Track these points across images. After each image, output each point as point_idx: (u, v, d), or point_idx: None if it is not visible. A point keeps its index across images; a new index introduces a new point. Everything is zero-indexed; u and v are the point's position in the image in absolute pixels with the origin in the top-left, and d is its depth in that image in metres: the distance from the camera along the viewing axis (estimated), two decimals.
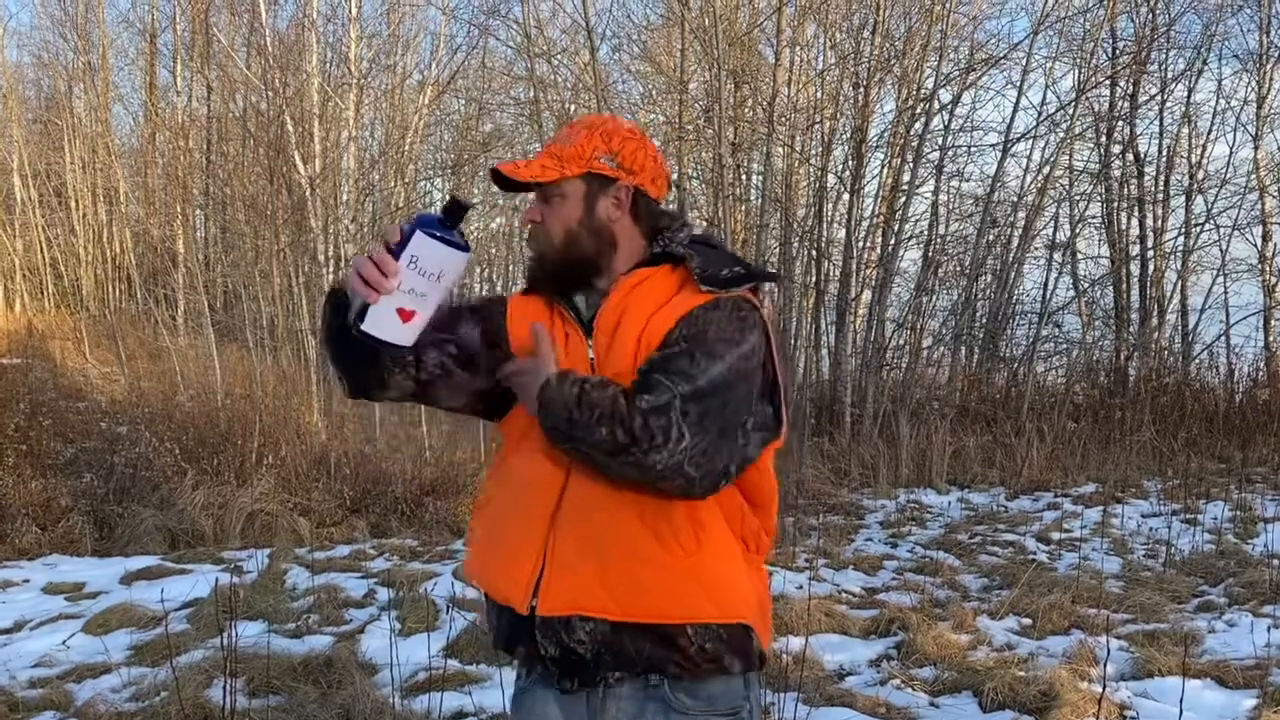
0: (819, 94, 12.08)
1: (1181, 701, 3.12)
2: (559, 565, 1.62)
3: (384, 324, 1.52)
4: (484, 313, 1.77)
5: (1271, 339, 12.48)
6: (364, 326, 1.52)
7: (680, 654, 1.60)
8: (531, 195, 1.74)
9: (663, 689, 1.63)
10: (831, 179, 11.49)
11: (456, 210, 1.52)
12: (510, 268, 19.16)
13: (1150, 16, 12.52)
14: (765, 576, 1.77)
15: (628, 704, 1.64)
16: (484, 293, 19.11)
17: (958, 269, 12.78)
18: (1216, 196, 12.80)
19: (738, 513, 1.67)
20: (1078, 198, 13.22)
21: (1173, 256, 13.13)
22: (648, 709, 1.63)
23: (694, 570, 1.60)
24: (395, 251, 1.50)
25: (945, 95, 11.51)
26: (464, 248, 1.54)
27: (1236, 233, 12.85)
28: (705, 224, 11.51)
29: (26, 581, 5.73)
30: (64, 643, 4.70)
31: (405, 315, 1.53)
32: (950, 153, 12.18)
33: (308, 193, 10.99)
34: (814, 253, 11.47)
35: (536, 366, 1.60)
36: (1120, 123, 12.96)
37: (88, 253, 19.47)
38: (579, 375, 1.58)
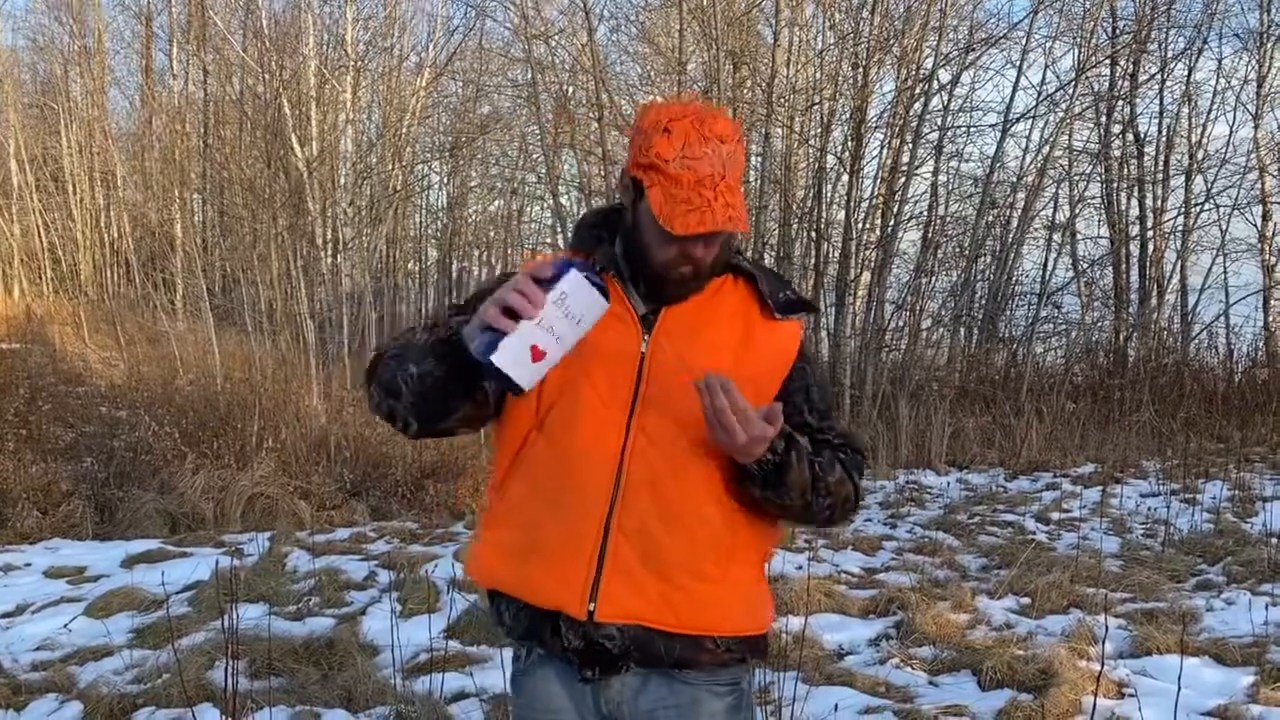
0: (818, 74, 12.03)
1: (1179, 679, 3.13)
2: (620, 573, 1.59)
3: (515, 360, 1.45)
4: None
5: (1271, 319, 12.48)
6: (495, 357, 1.44)
7: (707, 654, 1.64)
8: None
9: None
10: (831, 160, 11.46)
11: (600, 270, 1.49)
12: (509, 250, 19.13)
13: None
14: None
15: (632, 678, 1.65)
16: (461, 294, 19.02)
17: (957, 250, 12.77)
18: (1216, 176, 12.79)
19: (768, 530, 1.71)
20: (1077, 178, 13.19)
21: (1172, 236, 13.13)
22: (651, 680, 1.65)
23: (738, 587, 1.66)
24: (545, 286, 1.44)
25: (945, 75, 11.49)
26: (607, 299, 1.48)
27: (1236, 212, 12.85)
28: None
29: (28, 565, 5.75)
30: (66, 626, 4.71)
31: (537, 354, 1.46)
32: (949, 133, 12.16)
33: (305, 176, 10.96)
34: (813, 234, 11.44)
35: (762, 430, 1.49)
36: (1120, 102, 12.92)
37: (85, 237, 19.45)
38: (802, 446, 1.58)
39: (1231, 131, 13.08)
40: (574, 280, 1.44)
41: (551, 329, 1.45)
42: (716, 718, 1.67)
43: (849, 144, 11.25)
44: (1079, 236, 13.65)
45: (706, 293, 1.66)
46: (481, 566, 1.72)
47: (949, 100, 11.80)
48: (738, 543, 1.65)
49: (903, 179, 11.21)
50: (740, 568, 1.66)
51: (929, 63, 11.30)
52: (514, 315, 1.43)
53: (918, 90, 11.32)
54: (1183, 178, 13.00)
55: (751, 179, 12.06)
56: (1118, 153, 13.25)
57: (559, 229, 13.23)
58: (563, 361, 1.50)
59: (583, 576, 1.59)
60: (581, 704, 1.68)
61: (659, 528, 1.59)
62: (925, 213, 12.46)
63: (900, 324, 11.91)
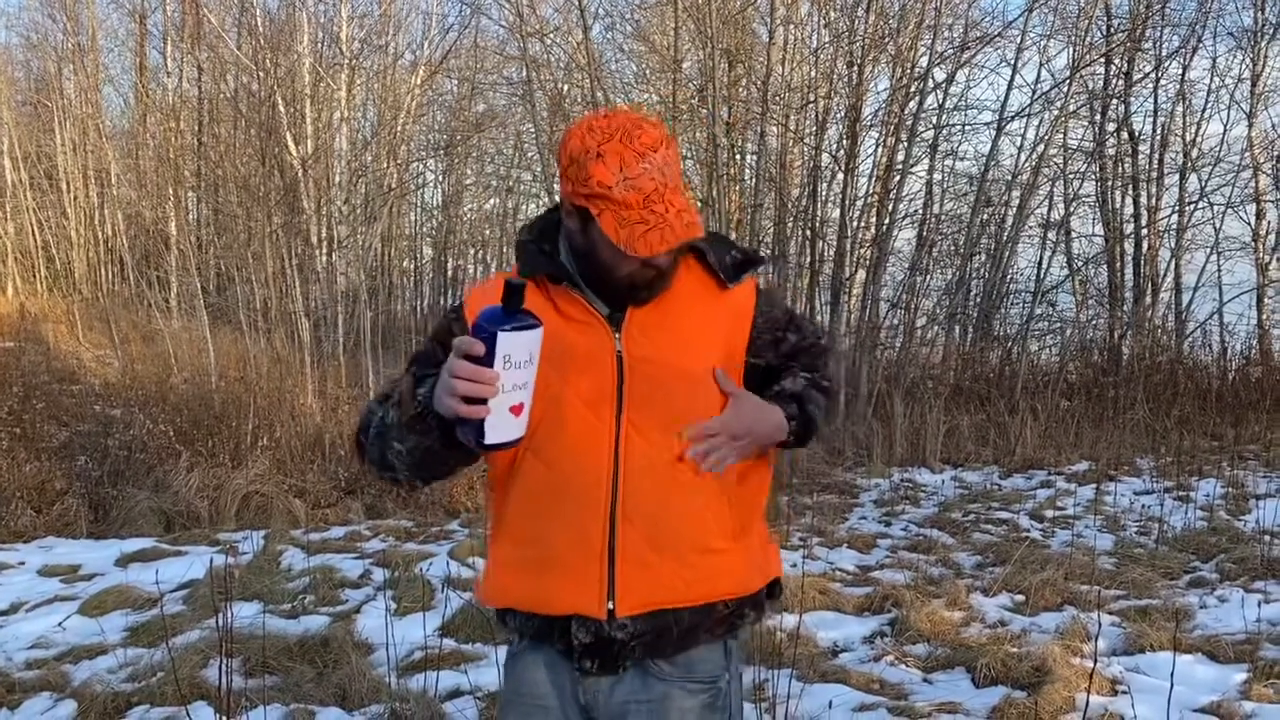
0: (813, 73, 12.03)
1: (1172, 676, 3.14)
2: (631, 564, 1.61)
3: (503, 429, 1.49)
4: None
5: (1264, 317, 12.51)
6: (489, 441, 1.48)
7: (712, 618, 1.68)
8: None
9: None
10: (826, 158, 11.46)
11: (517, 294, 1.45)
12: (504, 249, 19.11)
13: None
14: None
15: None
16: (456, 293, 18.99)
17: (952, 248, 12.78)
18: (1210, 174, 12.79)
19: (764, 488, 1.78)
20: (1072, 176, 13.20)
21: (1166, 235, 13.14)
22: (626, 675, 1.67)
23: (746, 553, 1.71)
24: (486, 361, 1.44)
25: (940, 73, 11.49)
26: (538, 323, 1.48)
27: (1230, 211, 12.87)
28: (700, 204, 11.48)
29: (22, 564, 5.74)
30: (60, 624, 4.71)
31: (516, 410, 1.49)
32: (945, 131, 12.17)
33: (300, 174, 10.94)
34: (808, 232, 11.45)
35: (768, 416, 1.65)
36: (1115, 101, 12.94)
37: (80, 235, 19.41)
38: (806, 396, 1.70)
39: (1225, 130, 13.17)
40: (506, 340, 1.44)
41: (514, 386, 1.47)
42: (688, 715, 1.67)
43: (844, 142, 11.25)
44: (1073, 235, 13.67)
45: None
46: (494, 589, 1.73)
47: (944, 98, 11.82)
48: (740, 512, 1.70)
49: (898, 177, 11.22)
50: (745, 535, 1.71)
51: (924, 61, 11.32)
52: (477, 400, 1.45)
53: (913, 88, 11.33)
54: (1177, 176, 13.01)
55: (747, 177, 12.08)
56: (1112, 151, 13.27)
57: None
58: (543, 381, 1.53)
59: (597, 576, 1.61)
60: (563, 692, 1.70)
61: (662, 510, 1.62)
62: (920, 211, 12.47)
63: (895, 322, 11.93)
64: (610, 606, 1.61)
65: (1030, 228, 13.23)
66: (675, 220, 1.52)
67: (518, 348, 1.45)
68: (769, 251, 11.24)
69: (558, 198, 1.70)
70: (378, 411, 1.63)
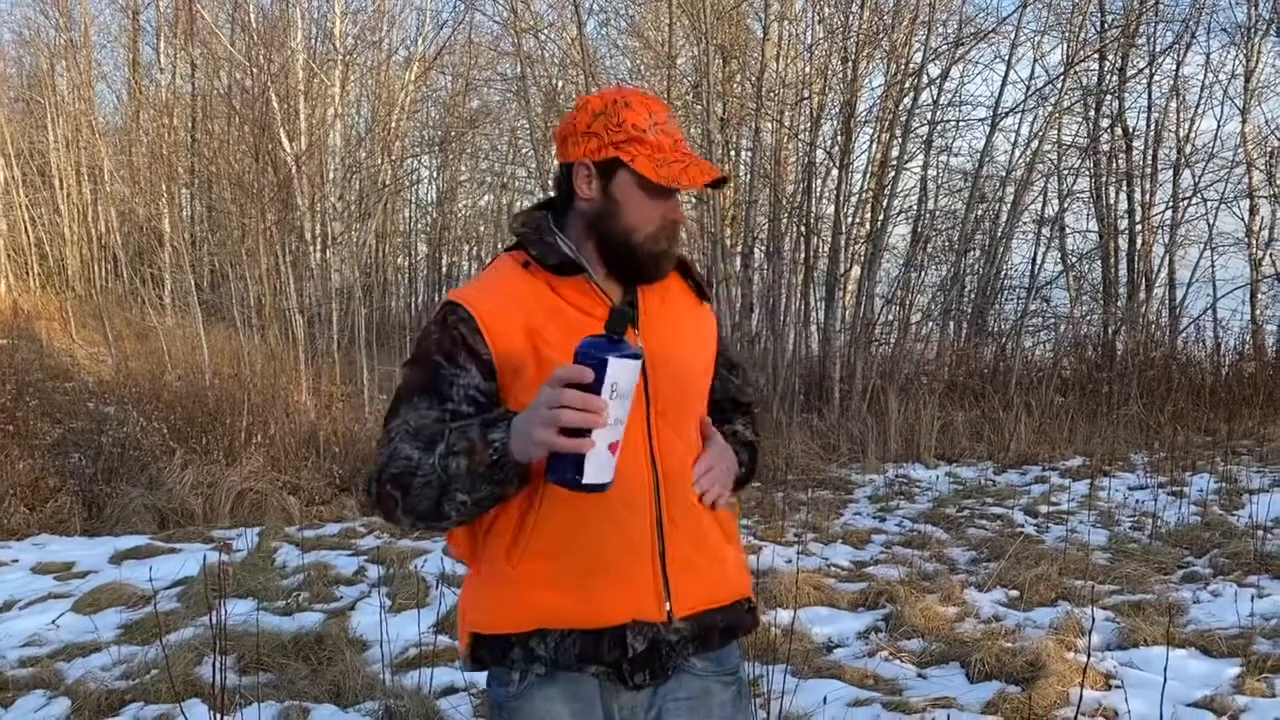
0: (807, 69, 12.03)
1: (1166, 670, 3.16)
2: (682, 564, 1.61)
3: (602, 468, 1.38)
4: (474, 364, 1.57)
5: (1258, 312, 12.54)
6: (587, 481, 1.37)
7: (741, 618, 1.73)
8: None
9: None
10: (820, 154, 11.46)
11: (622, 320, 1.38)
12: (498, 245, 19.08)
13: None
14: None
15: None
16: (449, 289, 18.96)
17: (946, 244, 12.79)
18: (1204, 170, 12.80)
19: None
20: (1066, 172, 13.22)
21: (1160, 230, 13.16)
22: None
23: (738, 550, 1.77)
24: (593, 389, 1.34)
25: (934, 69, 11.47)
26: (640, 354, 1.40)
27: (1223, 206, 12.88)
28: (694, 200, 11.48)
29: (15, 561, 5.73)
30: (53, 622, 4.70)
31: (614, 448, 1.39)
32: (939, 127, 12.17)
33: (294, 170, 10.92)
34: (803, 228, 11.45)
35: (727, 459, 1.70)
36: (1108, 97, 12.95)
37: (73, 232, 19.35)
38: (750, 442, 1.81)
39: (1219, 126, 13.13)
40: (617, 366, 1.35)
41: (615, 419, 1.38)
42: (725, 708, 1.68)
43: (838, 138, 11.25)
44: (1068, 230, 13.67)
45: (661, 282, 1.70)
46: (518, 609, 1.57)
47: (938, 95, 11.81)
48: (730, 511, 1.76)
49: (892, 173, 11.22)
50: (735, 531, 1.77)
51: (918, 57, 11.30)
52: (579, 432, 1.35)
53: (907, 85, 11.33)
54: (1171, 172, 13.04)
55: (741, 173, 12.07)
56: (1106, 147, 13.28)
57: None
58: None
59: (651, 579, 1.58)
60: (588, 716, 1.60)
61: (700, 510, 1.65)
62: (915, 207, 12.47)
63: (890, 318, 11.93)
64: (669, 608, 1.58)
65: (1024, 223, 13.25)
66: (705, 163, 1.57)
67: (624, 377, 1.37)
68: (764, 249, 11.24)
69: (551, 192, 1.70)
70: (426, 461, 1.46)
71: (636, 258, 1.60)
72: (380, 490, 1.51)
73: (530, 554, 1.56)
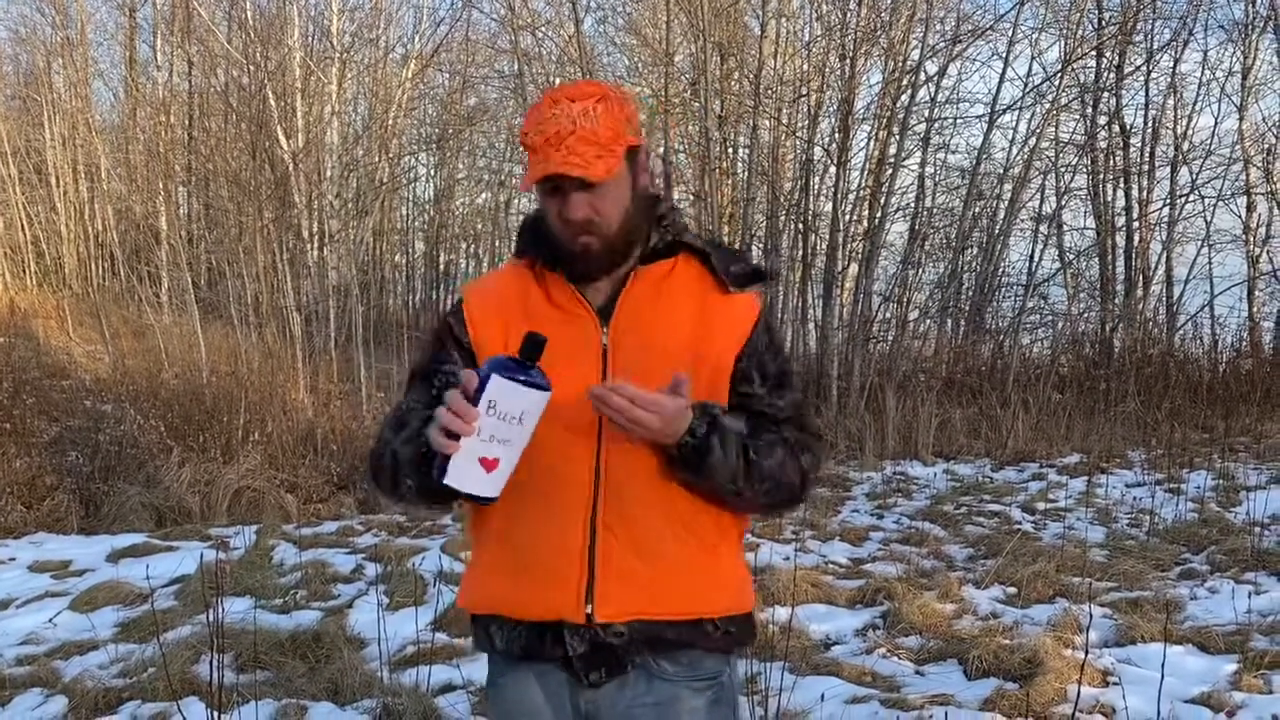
0: (805, 66, 12.02)
1: (1163, 667, 3.15)
2: (613, 571, 1.57)
3: (467, 476, 1.44)
4: (456, 351, 1.66)
5: (1255, 309, 12.56)
6: (446, 480, 1.44)
7: (706, 637, 1.63)
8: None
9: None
10: (818, 152, 11.46)
11: (535, 348, 1.42)
12: (496, 243, 19.08)
13: None
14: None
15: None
16: (448, 288, 18.93)
17: (944, 242, 12.79)
18: (1201, 167, 12.83)
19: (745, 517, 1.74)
20: (1063, 169, 13.22)
21: (1158, 228, 13.17)
22: (630, 678, 1.62)
23: (726, 567, 1.67)
24: (474, 398, 1.41)
25: (931, 67, 11.48)
26: (545, 387, 1.43)
27: (1221, 204, 12.91)
28: (693, 198, 11.48)
29: (12, 560, 5.72)
30: (51, 620, 4.69)
31: (488, 464, 1.44)
32: (936, 125, 12.17)
33: (291, 168, 10.91)
34: (801, 226, 11.45)
35: (673, 409, 1.47)
36: (1106, 94, 12.95)
37: (70, 230, 19.32)
38: (737, 430, 1.56)
39: (1216, 123, 13.21)
40: (497, 385, 1.40)
41: (493, 437, 1.43)
42: (697, 714, 1.64)
43: (836, 136, 11.25)
44: (1065, 228, 13.69)
45: (660, 274, 1.66)
46: (473, 592, 1.70)
47: (936, 92, 11.81)
48: (720, 522, 1.65)
49: (890, 171, 11.22)
50: (725, 546, 1.67)
51: (916, 54, 11.30)
52: (454, 435, 1.41)
53: (905, 82, 11.32)
54: (1168, 169, 13.05)
55: (739, 171, 12.07)
56: (1104, 144, 13.28)
57: None
58: None
59: (575, 580, 1.57)
60: (560, 706, 1.65)
61: (646, 516, 1.58)
62: (912, 204, 12.47)
63: (887, 315, 11.93)
64: (588, 610, 1.56)
65: (1022, 221, 13.25)
66: (557, 157, 1.51)
67: (506, 398, 1.41)
68: (762, 246, 11.24)
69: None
70: (391, 443, 1.60)
71: (566, 256, 1.62)
72: (368, 465, 1.70)
73: (487, 541, 1.67)
